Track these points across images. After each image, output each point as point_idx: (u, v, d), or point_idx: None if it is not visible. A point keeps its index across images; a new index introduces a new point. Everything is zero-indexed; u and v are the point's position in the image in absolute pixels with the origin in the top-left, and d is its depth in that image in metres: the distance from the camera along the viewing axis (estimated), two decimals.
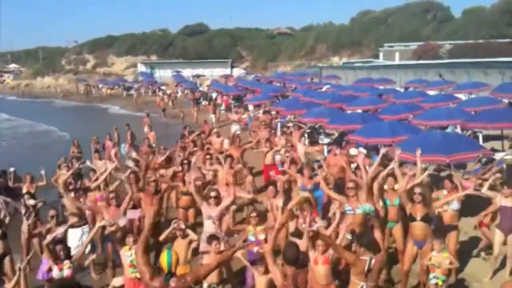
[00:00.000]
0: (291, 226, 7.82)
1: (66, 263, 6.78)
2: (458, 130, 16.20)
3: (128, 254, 6.78)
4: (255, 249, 7.43)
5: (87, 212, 9.22)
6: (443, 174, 12.68)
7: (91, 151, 17.04)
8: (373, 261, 5.66)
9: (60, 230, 7.27)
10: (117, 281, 5.01)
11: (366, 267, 5.60)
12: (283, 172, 11.35)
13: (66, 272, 6.71)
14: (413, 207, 7.68)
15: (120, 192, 9.33)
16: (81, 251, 7.25)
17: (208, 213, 8.11)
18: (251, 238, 7.51)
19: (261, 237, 7.49)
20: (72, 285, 5.19)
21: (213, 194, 8.29)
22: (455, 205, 8.44)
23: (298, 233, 7.30)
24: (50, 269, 7.27)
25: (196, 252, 7.65)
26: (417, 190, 7.73)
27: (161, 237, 7.08)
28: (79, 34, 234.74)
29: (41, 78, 79.22)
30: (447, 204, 8.35)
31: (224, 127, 24.65)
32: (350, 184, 8.05)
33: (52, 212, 8.23)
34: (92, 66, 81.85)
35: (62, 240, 7.38)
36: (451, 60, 38.86)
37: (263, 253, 6.59)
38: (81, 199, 9.17)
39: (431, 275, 7.20)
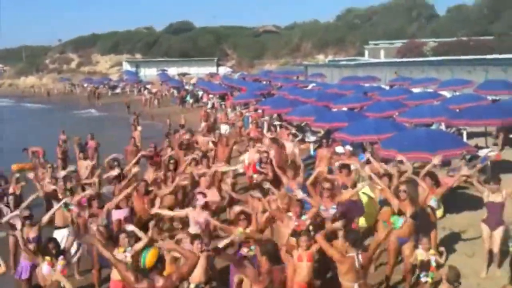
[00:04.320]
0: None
1: (60, 259, 6.73)
2: (443, 127, 16.31)
3: (123, 256, 6.68)
4: (244, 251, 7.37)
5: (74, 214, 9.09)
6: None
7: (75, 151, 16.87)
8: (360, 256, 5.64)
9: None
10: None
11: (356, 263, 5.59)
12: (260, 172, 11.32)
13: (60, 268, 6.64)
14: (400, 204, 7.68)
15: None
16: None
17: (195, 218, 8.08)
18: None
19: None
20: None
21: (200, 201, 8.25)
22: (432, 202, 8.48)
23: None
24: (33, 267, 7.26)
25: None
26: (402, 187, 7.76)
27: (146, 240, 6.97)
28: (63, 33, 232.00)
29: (24, 78, 78.35)
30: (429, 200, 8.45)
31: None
32: (326, 185, 8.07)
33: (25, 213, 8.08)
34: (76, 65, 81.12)
35: (53, 238, 7.34)
36: (435, 57, 39.17)
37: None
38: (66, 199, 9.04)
39: (421, 275, 7.22)
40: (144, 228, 7.75)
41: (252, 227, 7.32)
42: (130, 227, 7.06)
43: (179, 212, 8.84)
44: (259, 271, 5.04)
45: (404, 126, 14.34)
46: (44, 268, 6.68)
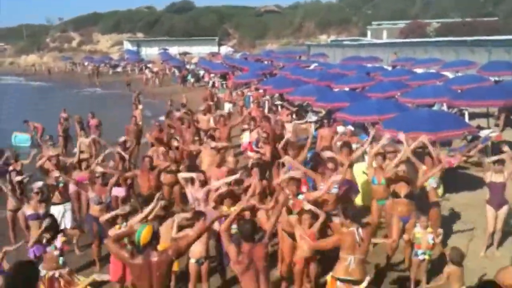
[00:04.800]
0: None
1: (60, 236, 6.73)
2: (445, 107, 16.25)
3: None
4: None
5: (71, 190, 9.16)
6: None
7: (76, 130, 16.90)
8: (360, 231, 5.68)
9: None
10: (100, 276, 4.99)
11: (357, 238, 5.62)
12: (257, 151, 11.31)
13: (59, 244, 6.65)
14: (397, 184, 7.76)
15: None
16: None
17: (193, 195, 8.09)
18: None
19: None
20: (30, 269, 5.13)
21: (199, 177, 8.28)
22: (432, 181, 8.50)
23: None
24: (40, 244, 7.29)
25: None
26: (401, 167, 7.80)
27: (143, 215, 6.98)
28: (63, 11, 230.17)
29: (25, 56, 78.03)
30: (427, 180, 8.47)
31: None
32: (330, 165, 8.07)
33: (37, 188, 8.14)
34: (77, 44, 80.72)
35: (50, 215, 7.32)
36: (438, 38, 38.88)
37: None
38: (61, 178, 9.07)
39: (418, 251, 7.26)
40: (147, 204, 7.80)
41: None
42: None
43: (186, 174, 8.73)
44: (239, 250, 5.06)
45: (407, 106, 14.29)
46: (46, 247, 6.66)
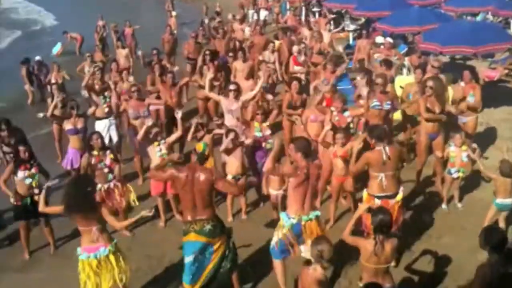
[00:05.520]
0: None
1: (108, 153, 6.91)
2: (490, 17, 15.54)
3: (158, 149, 6.96)
4: (263, 144, 7.57)
5: (113, 103, 9.36)
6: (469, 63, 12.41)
7: (113, 39, 16.91)
8: (387, 149, 5.73)
9: None
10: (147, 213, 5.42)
11: (384, 156, 5.73)
12: (302, 64, 11.20)
13: (108, 162, 6.86)
14: (425, 100, 7.58)
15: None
16: None
17: (228, 107, 8.15)
18: (257, 134, 7.54)
19: (267, 132, 7.60)
20: (88, 180, 5.51)
21: (232, 87, 8.25)
22: (470, 98, 8.37)
23: None
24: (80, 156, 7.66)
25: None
26: (429, 83, 7.55)
27: (180, 133, 7.24)
28: None
29: None
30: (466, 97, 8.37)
31: None
32: (379, 80, 7.93)
33: (72, 103, 8.29)
34: None
35: (97, 132, 7.40)
36: None
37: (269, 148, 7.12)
38: (106, 93, 9.26)
39: (452, 170, 7.30)
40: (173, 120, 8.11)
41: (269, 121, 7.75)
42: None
43: (214, 95, 8.88)
44: (295, 166, 5.25)
45: (449, 16, 13.71)
46: (93, 162, 6.84)
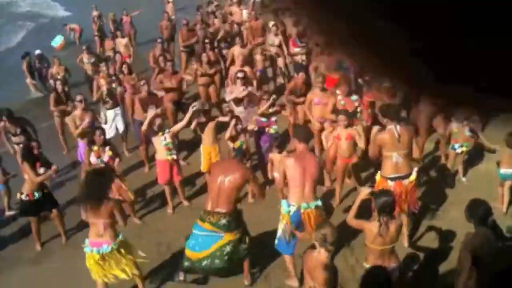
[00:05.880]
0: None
1: (107, 149, 6.93)
2: None
3: (162, 138, 7.02)
4: (266, 130, 7.61)
5: (118, 93, 9.37)
6: None
7: (111, 29, 16.79)
8: (398, 127, 5.76)
9: None
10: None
11: (396, 134, 5.75)
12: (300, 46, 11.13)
13: (106, 158, 6.90)
14: None
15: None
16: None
17: (234, 94, 8.19)
18: (262, 119, 7.63)
19: (273, 118, 7.66)
20: (105, 173, 5.58)
21: (240, 75, 8.27)
22: None
23: None
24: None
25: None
26: None
27: (184, 122, 7.24)
28: None
29: None
30: None
31: None
32: None
33: (79, 97, 8.26)
34: None
35: (100, 127, 7.47)
36: None
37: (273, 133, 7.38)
38: (113, 85, 9.29)
39: (455, 145, 7.35)
40: (177, 106, 8.15)
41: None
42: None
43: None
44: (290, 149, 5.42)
45: None
46: (92, 158, 6.91)
